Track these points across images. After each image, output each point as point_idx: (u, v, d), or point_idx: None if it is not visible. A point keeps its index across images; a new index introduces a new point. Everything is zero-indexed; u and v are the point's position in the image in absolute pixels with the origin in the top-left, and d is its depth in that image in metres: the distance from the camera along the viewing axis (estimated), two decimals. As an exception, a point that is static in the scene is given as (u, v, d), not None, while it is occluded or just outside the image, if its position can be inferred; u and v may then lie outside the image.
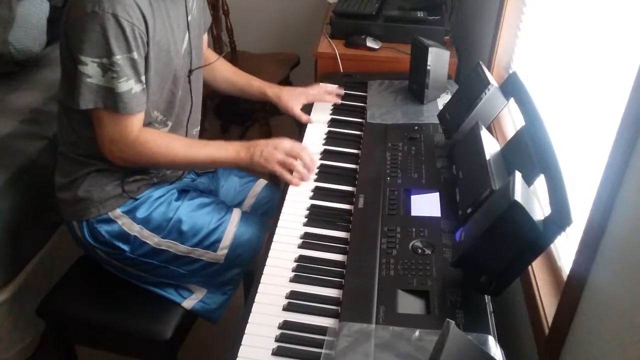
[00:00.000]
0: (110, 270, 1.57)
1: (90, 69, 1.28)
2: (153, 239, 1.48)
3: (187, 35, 1.47)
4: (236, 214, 1.56)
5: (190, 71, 1.50)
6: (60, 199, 1.51)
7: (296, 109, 1.76)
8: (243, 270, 1.59)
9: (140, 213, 1.48)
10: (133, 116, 1.35)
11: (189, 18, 1.47)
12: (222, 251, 1.51)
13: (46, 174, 1.89)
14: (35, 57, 2.28)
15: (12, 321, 1.81)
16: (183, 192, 1.58)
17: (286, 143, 1.49)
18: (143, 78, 1.34)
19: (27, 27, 2.17)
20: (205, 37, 1.70)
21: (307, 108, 1.80)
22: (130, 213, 1.48)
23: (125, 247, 1.47)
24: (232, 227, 1.53)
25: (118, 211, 1.47)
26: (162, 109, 1.47)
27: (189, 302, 1.55)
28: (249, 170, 1.57)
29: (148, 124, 1.43)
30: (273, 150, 1.46)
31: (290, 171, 1.47)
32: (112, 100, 1.31)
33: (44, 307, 1.57)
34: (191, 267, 1.51)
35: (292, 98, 1.77)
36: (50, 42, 2.34)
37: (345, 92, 1.87)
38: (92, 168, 1.46)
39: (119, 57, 1.28)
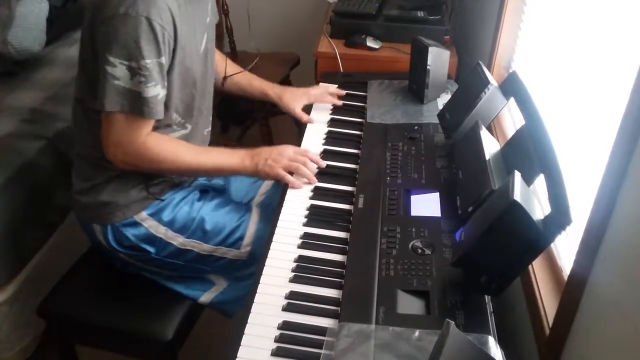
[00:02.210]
0: (132, 270, 1.57)
1: (119, 70, 1.25)
2: (178, 239, 1.49)
3: (205, 36, 1.47)
4: (255, 212, 1.59)
5: (225, 77, 1.48)
6: (79, 202, 1.50)
7: (297, 109, 1.76)
8: (258, 266, 1.60)
9: (166, 215, 1.49)
10: (151, 121, 1.35)
11: (207, 20, 1.47)
12: (246, 248, 1.54)
13: (46, 174, 1.89)
14: (35, 57, 2.28)
15: (12, 321, 1.81)
16: (204, 192, 1.60)
17: (289, 149, 1.50)
18: (166, 83, 1.33)
19: (27, 26, 2.17)
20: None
21: (307, 108, 1.80)
22: (156, 215, 1.48)
23: (151, 249, 1.48)
24: (253, 224, 1.55)
25: (144, 214, 1.48)
26: (181, 111, 1.45)
27: (209, 296, 1.57)
28: (254, 176, 1.58)
29: (167, 126, 1.43)
30: (277, 156, 1.47)
31: (292, 174, 1.48)
32: (138, 104, 1.29)
33: (45, 307, 1.57)
34: (215, 265, 1.54)
35: (293, 98, 1.78)
36: (50, 42, 2.34)
37: (345, 92, 1.87)
38: (113, 173, 1.45)
39: (149, 62, 1.26)
